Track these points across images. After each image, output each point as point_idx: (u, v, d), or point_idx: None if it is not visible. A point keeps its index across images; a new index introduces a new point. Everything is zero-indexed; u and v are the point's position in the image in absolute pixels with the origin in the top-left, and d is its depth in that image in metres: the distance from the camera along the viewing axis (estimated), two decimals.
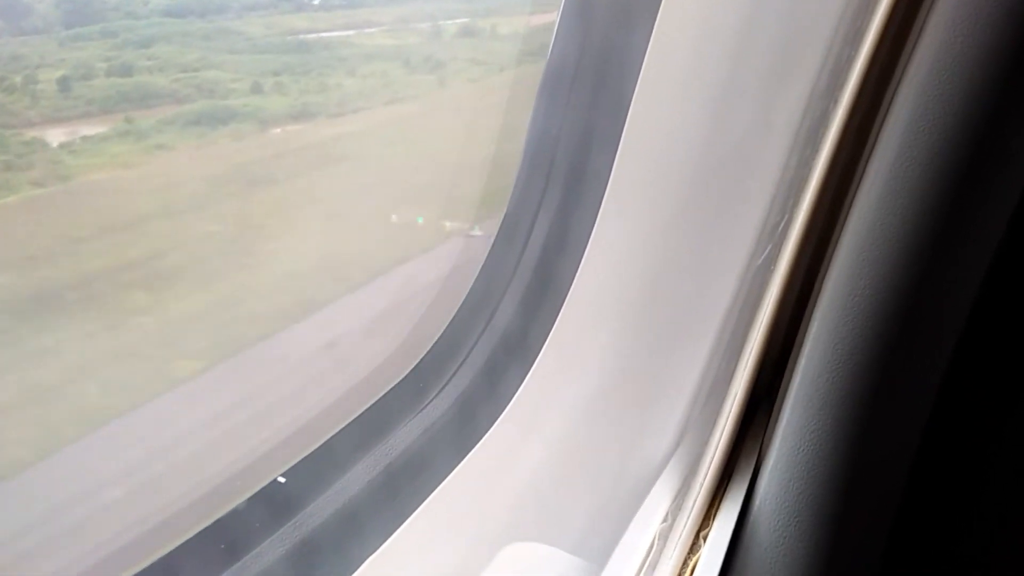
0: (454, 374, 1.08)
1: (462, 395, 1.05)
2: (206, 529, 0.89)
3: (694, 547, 0.69)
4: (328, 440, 1.12)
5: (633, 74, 0.75)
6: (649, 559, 0.68)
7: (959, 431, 0.60)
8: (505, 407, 0.92)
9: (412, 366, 1.14)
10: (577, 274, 0.87)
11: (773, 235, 0.70)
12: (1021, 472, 0.60)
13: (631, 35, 0.75)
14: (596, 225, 0.83)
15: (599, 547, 0.79)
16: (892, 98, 0.57)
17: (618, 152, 0.80)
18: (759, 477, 0.69)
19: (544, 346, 0.89)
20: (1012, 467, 0.60)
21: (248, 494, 0.99)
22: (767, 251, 0.71)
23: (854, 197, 0.61)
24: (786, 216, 0.67)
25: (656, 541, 0.71)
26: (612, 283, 0.85)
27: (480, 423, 0.94)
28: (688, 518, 0.70)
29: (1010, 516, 0.61)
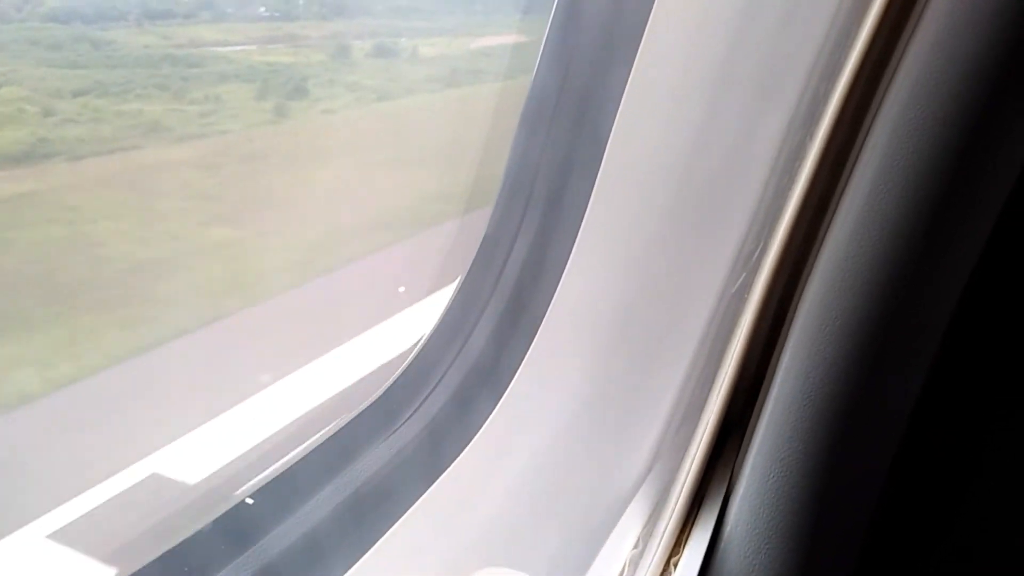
0: (425, 399, 1.07)
1: (433, 419, 1.05)
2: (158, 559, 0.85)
3: (664, 574, 0.69)
4: (294, 464, 1.10)
5: (614, 103, 0.76)
6: None
7: (929, 458, 0.61)
8: (477, 432, 0.91)
9: (383, 390, 1.14)
10: (553, 299, 0.87)
11: (748, 263, 0.71)
12: (992, 499, 0.61)
13: (612, 65, 0.77)
14: (573, 251, 0.84)
15: (570, 573, 0.78)
16: (867, 132, 0.59)
17: (597, 179, 0.81)
18: (730, 503, 0.69)
19: (518, 371, 0.89)
20: (982, 494, 0.61)
21: (212, 515, 0.96)
22: (742, 279, 0.72)
23: (828, 228, 0.62)
24: (761, 245, 0.68)
25: (627, 567, 0.70)
26: (587, 309, 0.86)
27: (451, 448, 0.93)
28: (659, 544, 0.70)
29: (979, 542, 0.62)
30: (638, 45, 0.75)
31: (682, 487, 0.71)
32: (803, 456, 0.63)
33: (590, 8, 0.83)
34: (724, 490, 0.71)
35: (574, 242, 0.84)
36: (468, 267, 1.00)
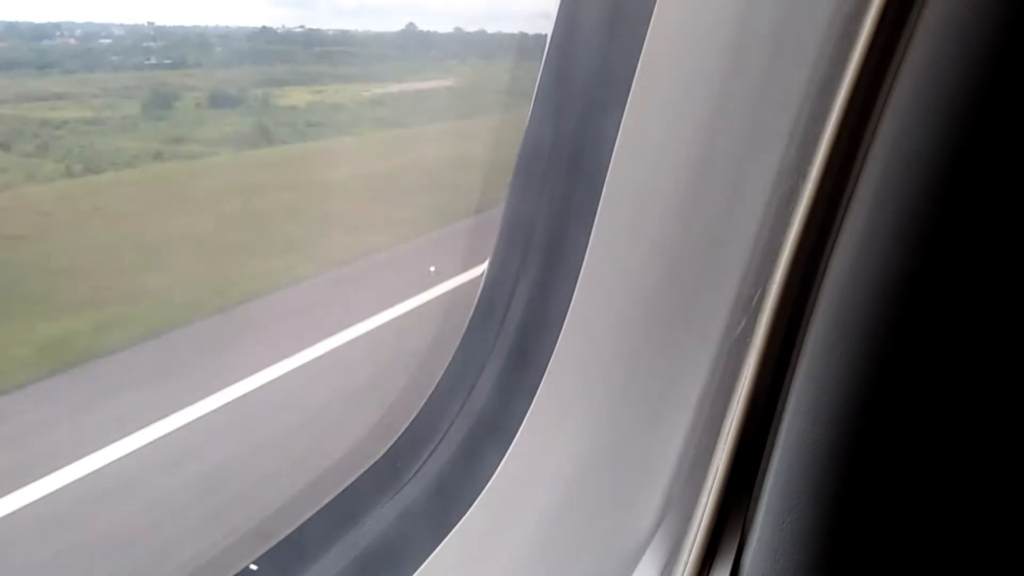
0: (431, 454, 1.06)
1: (439, 476, 1.03)
2: None
3: None
4: (299, 526, 1.09)
5: (607, 152, 0.77)
6: None
7: (945, 501, 0.60)
8: (483, 488, 0.90)
9: (387, 447, 1.13)
10: (554, 351, 0.86)
11: (748, 308, 0.70)
12: (1008, 538, 0.60)
13: (604, 115, 0.78)
14: (574, 299, 0.83)
15: None
16: (860, 171, 0.59)
17: (593, 227, 0.81)
18: (744, 555, 0.68)
19: (522, 424, 0.88)
20: (1009, 532, 0.60)
21: None
22: (743, 324, 0.71)
23: (826, 269, 0.62)
24: (760, 289, 0.68)
25: None
26: (590, 360, 0.85)
27: (458, 505, 0.92)
28: None
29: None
30: (629, 91, 0.76)
31: (694, 539, 0.70)
32: (815, 503, 0.62)
33: (579, 56, 0.85)
34: (737, 540, 0.69)
35: (573, 294, 0.84)
36: (468, 321, 1.00)
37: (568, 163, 0.85)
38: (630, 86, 0.74)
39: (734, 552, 0.68)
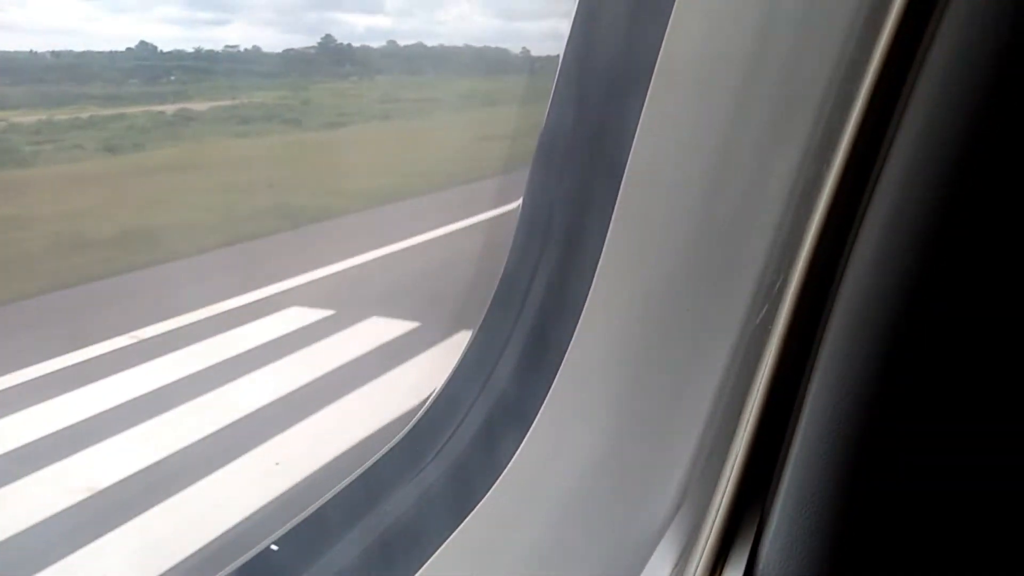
0: (450, 438, 1.07)
1: (458, 460, 1.04)
2: None
3: None
4: (319, 507, 1.10)
5: (628, 140, 0.76)
6: None
7: (963, 498, 0.60)
8: (503, 471, 0.90)
9: (407, 430, 1.13)
10: (574, 335, 0.86)
11: (769, 295, 0.70)
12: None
13: (626, 102, 0.77)
14: (593, 285, 0.83)
15: None
16: (884, 161, 0.58)
17: (613, 215, 0.81)
18: (761, 542, 0.68)
19: (542, 408, 0.89)
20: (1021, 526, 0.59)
21: (244, 557, 0.96)
22: (764, 311, 0.71)
23: (849, 256, 0.61)
24: (782, 276, 0.67)
25: None
26: (610, 344, 0.85)
27: (477, 488, 0.92)
28: None
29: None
30: (649, 81, 0.75)
31: (712, 526, 0.70)
32: (833, 496, 0.62)
33: (601, 44, 0.84)
34: (755, 528, 0.69)
35: (593, 278, 0.83)
36: (487, 305, 1.00)
37: (588, 152, 0.84)
38: (651, 75, 0.73)
39: (750, 543, 0.68)
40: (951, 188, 0.55)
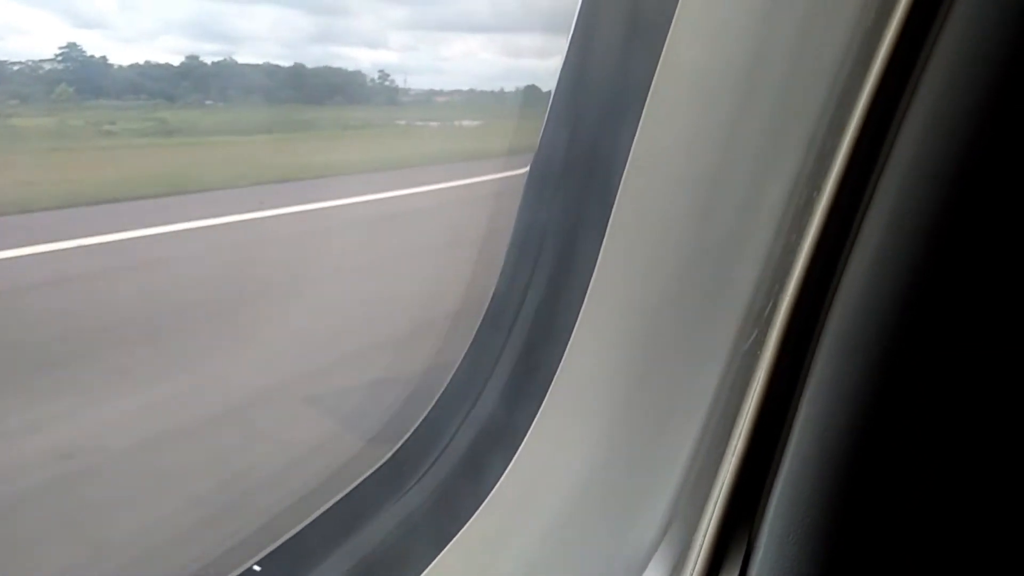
0: (433, 463, 1.06)
1: (441, 484, 1.03)
2: None
3: None
4: (300, 530, 1.09)
5: (621, 160, 0.77)
6: None
7: (955, 519, 0.60)
8: (488, 494, 0.90)
9: (389, 454, 1.12)
10: (563, 359, 0.86)
11: (759, 320, 0.71)
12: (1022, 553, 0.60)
13: (620, 122, 0.78)
14: (583, 309, 0.83)
15: None
16: (875, 186, 0.59)
17: (605, 239, 0.81)
18: (750, 565, 0.68)
19: (529, 431, 0.88)
20: (1017, 547, 0.60)
21: None
22: (753, 336, 0.71)
23: (839, 282, 0.62)
24: (772, 302, 0.68)
25: None
26: (599, 367, 0.85)
27: (462, 511, 0.92)
28: None
29: None
30: (642, 107, 0.76)
31: (700, 549, 0.69)
32: (823, 516, 0.62)
33: (596, 63, 0.85)
34: (743, 552, 0.69)
35: (583, 301, 0.84)
36: (476, 327, 1.00)
37: (581, 170, 0.85)
38: (646, 94, 0.75)
39: (739, 564, 0.68)
40: (939, 217, 0.56)
